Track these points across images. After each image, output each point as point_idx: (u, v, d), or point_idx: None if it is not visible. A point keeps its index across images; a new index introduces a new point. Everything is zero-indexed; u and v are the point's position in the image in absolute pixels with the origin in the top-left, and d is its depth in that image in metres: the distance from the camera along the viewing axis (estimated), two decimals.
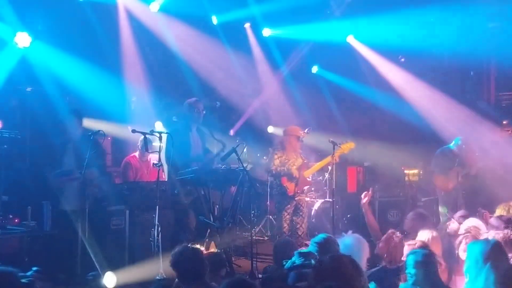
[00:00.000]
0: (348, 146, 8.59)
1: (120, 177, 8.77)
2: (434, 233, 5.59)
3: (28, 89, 8.72)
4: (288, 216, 8.35)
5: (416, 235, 5.67)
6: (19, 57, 8.19)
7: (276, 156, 8.41)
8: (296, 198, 8.39)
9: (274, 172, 8.39)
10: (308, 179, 8.69)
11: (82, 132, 7.17)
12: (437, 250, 5.45)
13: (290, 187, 8.31)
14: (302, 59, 11.98)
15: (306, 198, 8.96)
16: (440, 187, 9.86)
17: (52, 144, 7.27)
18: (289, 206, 8.34)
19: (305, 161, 8.56)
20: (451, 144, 9.65)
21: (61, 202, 6.90)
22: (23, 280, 3.98)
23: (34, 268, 4.67)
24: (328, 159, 8.47)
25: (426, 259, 4.49)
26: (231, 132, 11.70)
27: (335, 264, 3.68)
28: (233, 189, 7.87)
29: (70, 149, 7.10)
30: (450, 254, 5.68)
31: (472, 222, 5.92)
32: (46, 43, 8.37)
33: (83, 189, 6.86)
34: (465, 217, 6.27)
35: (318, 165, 8.68)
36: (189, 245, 4.83)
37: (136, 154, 8.74)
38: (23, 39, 7.89)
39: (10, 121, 8.19)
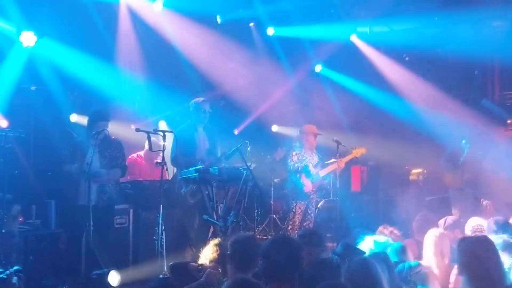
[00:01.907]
0: (360, 151, 8.78)
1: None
2: (442, 231, 5.61)
3: (32, 88, 8.75)
4: (301, 213, 8.46)
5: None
6: (24, 56, 8.21)
7: (294, 153, 8.56)
8: (310, 196, 8.50)
9: (291, 168, 8.48)
10: (323, 179, 8.80)
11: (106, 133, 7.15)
12: (445, 248, 5.48)
13: (307, 184, 8.42)
14: (306, 58, 11.96)
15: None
16: (448, 184, 9.89)
17: (77, 141, 7.30)
18: (302, 202, 8.45)
19: (319, 161, 8.67)
20: (463, 142, 9.63)
21: (74, 197, 6.91)
22: (0, 276, 4.27)
23: (15, 267, 4.84)
24: (346, 158, 8.61)
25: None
26: (236, 131, 11.70)
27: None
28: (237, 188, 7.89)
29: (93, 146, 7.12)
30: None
31: (476, 221, 5.93)
32: (51, 42, 8.38)
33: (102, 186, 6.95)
34: (457, 221, 6.30)
35: (332, 166, 8.73)
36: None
37: (142, 152, 8.76)
38: (28, 38, 7.90)
39: (14, 120, 8.21)
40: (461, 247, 4.20)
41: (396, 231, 6.07)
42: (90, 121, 7.25)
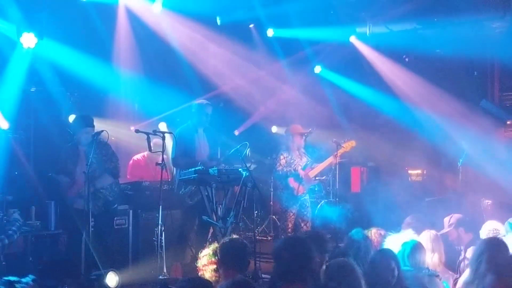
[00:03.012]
0: (350, 145, 8.69)
1: (128, 176, 8.81)
2: (435, 233, 5.63)
3: (33, 89, 8.76)
4: (293, 216, 8.39)
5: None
6: (25, 58, 8.22)
7: (282, 157, 8.46)
8: (302, 199, 8.45)
9: (280, 172, 8.42)
10: (313, 179, 8.75)
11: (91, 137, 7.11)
12: (439, 249, 5.50)
13: (297, 187, 8.35)
14: (306, 59, 11.97)
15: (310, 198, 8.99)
16: (448, 185, 9.91)
17: (73, 144, 7.29)
18: (295, 206, 8.39)
19: (309, 161, 8.59)
20: (462, 144, 9.64)
21: (75, 201, 6.93)
22: (17, 286, 4.15)
23: (32, 277, 4.83)
24: (331, 159, 8.55)
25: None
26: (236, 132, 11.72)
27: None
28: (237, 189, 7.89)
29: (81, 152, 7.11)
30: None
31: (492, 225, 5.89)
32: (51, 43, 8.39)
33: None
34: (461, 219, 6.30)
35: (322, 164, 8.71)
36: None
37: (146, 153, 8.78)
38: (28, 40, 7.91)
39: (14, 122, 8.22)
40: (475, 246, 4.32)
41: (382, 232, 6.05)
42: (75, 127, 7.24)
